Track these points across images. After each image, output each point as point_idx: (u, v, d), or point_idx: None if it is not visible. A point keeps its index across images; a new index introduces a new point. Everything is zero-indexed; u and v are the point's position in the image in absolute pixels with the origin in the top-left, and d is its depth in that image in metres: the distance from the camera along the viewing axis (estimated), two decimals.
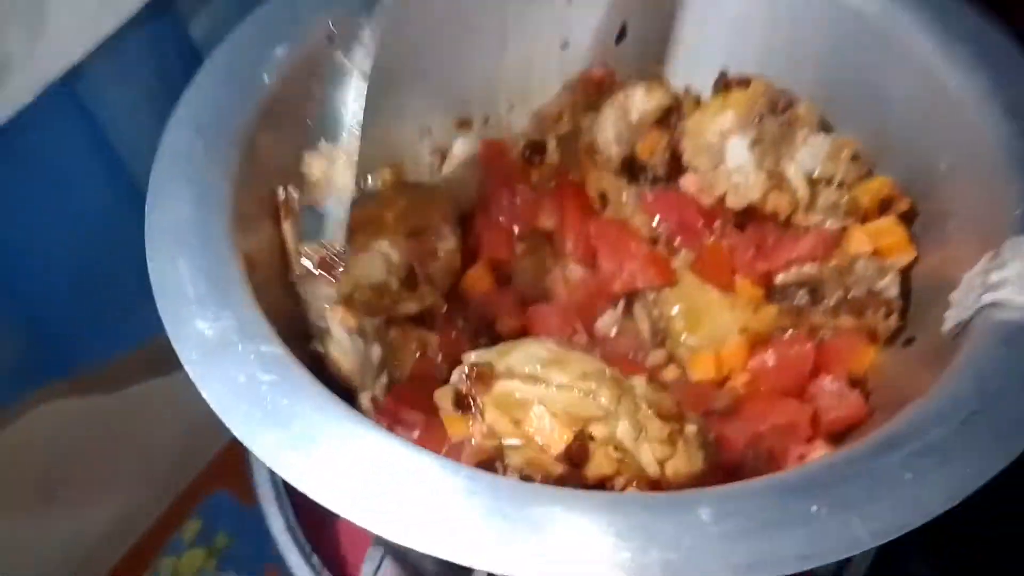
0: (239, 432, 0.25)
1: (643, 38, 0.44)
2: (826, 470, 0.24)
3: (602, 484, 0.29)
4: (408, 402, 0.32)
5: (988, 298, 0.27)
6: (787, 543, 0.23)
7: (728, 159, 0.39)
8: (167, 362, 0.72)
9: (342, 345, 0.32)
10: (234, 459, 0.79)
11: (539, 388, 0.29)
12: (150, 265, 0.30)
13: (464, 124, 0.47)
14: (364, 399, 0.33)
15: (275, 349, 0.27)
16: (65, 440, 0.68)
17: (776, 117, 0.39)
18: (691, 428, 0.29)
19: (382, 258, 0.36)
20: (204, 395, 0.26)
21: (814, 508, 0.23)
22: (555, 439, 0.29)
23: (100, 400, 0.69)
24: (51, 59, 0.51)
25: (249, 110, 0.35)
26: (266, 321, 0.28)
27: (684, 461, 0.28)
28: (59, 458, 0.68)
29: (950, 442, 0.24)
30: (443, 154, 0.47)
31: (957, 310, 0.29)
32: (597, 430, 0.29)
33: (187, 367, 0.27)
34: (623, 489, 0.29)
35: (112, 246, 0.60)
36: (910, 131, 0.37)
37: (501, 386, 0.30)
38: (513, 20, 0.44)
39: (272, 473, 0.43)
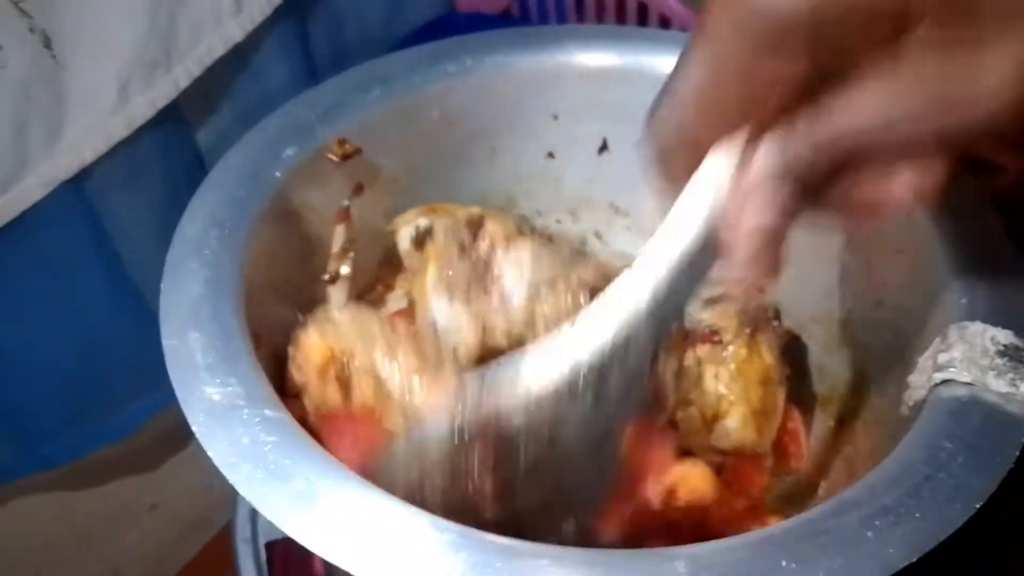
0: (243, 489, 0.27)
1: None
2: (790, 530, 0.26)
3: None
4: None
5: (938, 377, 0.30)
6: None
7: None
8: (149, 457, 0.72)
9: None
10: (210, 563, 0.77)
11: None
12: (164, 340, 0.32)
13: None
14: None
15: (278, 413, 0.29)
16: (39, 536, 0.68)
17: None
18: None
19: None
20: (210, 455, 0.27)
21: (783, 563, 0.25)
22: None
23: (77, 496, 0.68)
24: (65, 159, 0.55)
25: (261, 203, 0.38)
26: (270, 388, 0.30)
27: None
28: (32, 553, 0.67)
29: (904, 504, 0.26)
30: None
31: (914, 391, 0.31)
32: None
33: (194, 428, 0.28)
34: None
35: (105, 345, 0.61)
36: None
37: None
38: (502, 138, 0.48)
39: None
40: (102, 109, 0.55)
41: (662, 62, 0.44)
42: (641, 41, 0.47)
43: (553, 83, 0.46)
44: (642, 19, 0.66)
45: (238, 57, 0.62)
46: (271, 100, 0.67)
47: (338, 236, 0.42)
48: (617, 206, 0.50)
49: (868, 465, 0.29)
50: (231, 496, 0.41)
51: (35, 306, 0.58)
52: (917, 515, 0.26)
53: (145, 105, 0.57)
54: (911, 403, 0.32)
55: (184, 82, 0.59)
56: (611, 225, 0.50)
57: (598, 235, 0.51)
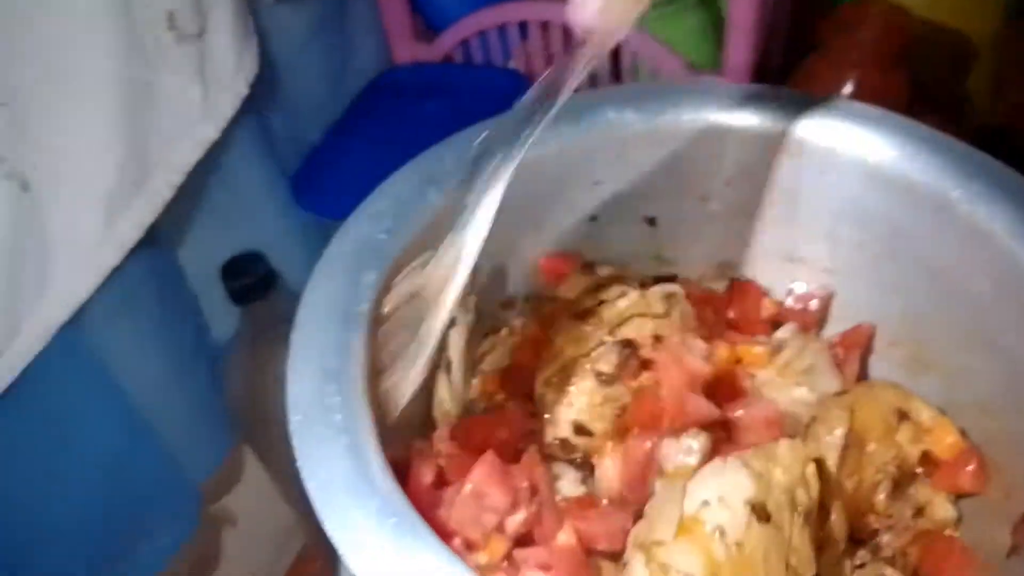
0: None
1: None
2: None
3: None
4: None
5: None
6: None
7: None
8: None
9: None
10: None
11: None
12: (331, 530, 0.29)
13: (508, 304, 0.49)
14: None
15: None
16: None
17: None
18: None
19: None
20: None
21: None
22: None
23: None
24: (59, 302, 0.50)
25: (360, 342, 0.36)
26: None
27: None
28: None
29: None
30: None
31: None
32: None
33: None
34: None
35: (122, 486, 0.57)
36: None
37: None
38: (547, 205, 0.47)
39: None
40: (89, 242, 0.51)
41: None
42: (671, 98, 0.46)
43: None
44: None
45: (208, 163, 0.58)
46: (249, 199, 0.65)
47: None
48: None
49: None
50: None
51: (43, 461, 0.53)
52: None
53: (132, 227, 0.53)
54: None
55: (167, 193, 0.55)
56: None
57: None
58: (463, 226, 0.33)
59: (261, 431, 0.69)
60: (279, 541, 0.80)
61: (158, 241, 0.57)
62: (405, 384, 0.35)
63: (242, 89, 0.59)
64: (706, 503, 0.33)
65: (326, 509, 0.30)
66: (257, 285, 0.62)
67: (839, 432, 0.39)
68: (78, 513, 0.55)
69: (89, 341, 0.53)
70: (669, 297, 0.44)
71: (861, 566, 0.38)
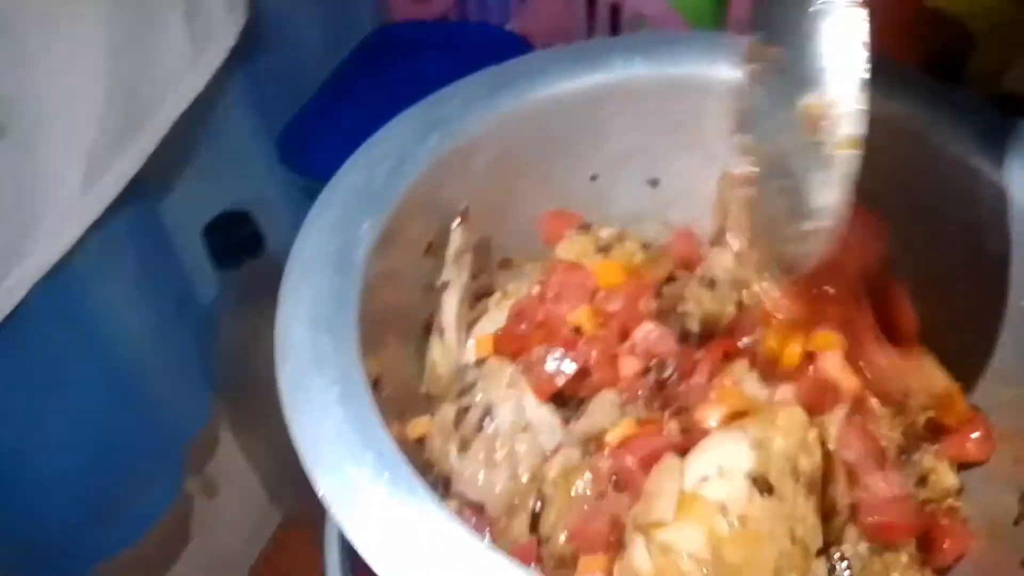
0: None
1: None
2: None
3: None
4: None
5: None
6: None
7: None
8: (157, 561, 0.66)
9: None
10: None
11: None
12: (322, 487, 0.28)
13: (505, 264, 0.47)
14: None
15: None
16: None
17: None
18: None
19: None
20: None
21: None
22: None
23: None
24: (41, 252, 0.48)
25: (356, 292, 0.34)
26: None
27: None
28: None
29: None
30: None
31: None
32: None
33: None
34: None
35: (107, 441, 0.55)
36: None
37: None
38: (551, 158, 0.45)
39: None
40: (72, 192, 0.49)
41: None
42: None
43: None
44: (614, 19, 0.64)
45: (194, 116, 0.56)
46: (235, 156, 0.63)
47: (455, 238, 0.41)
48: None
49: None
50: None
51: (30, 410, 0.51)
52: None
53: (115, 179, 0.51)
54: None
55: (151, 146, 0.53)
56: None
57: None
58: None
59: (246, 398, 0.67)
60: (257, 516, 0.79)
61: (142, 195, 0.55)
62: None
63: (231, 39, 0.57)
64: (705, 478, 0.32)
65: (315, 462, 0.29)
66: (242, 246, 0.60)
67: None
68: (63, 470, 0.53)
69: (71, 294, 0.51)
70: None
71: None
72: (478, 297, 0.46)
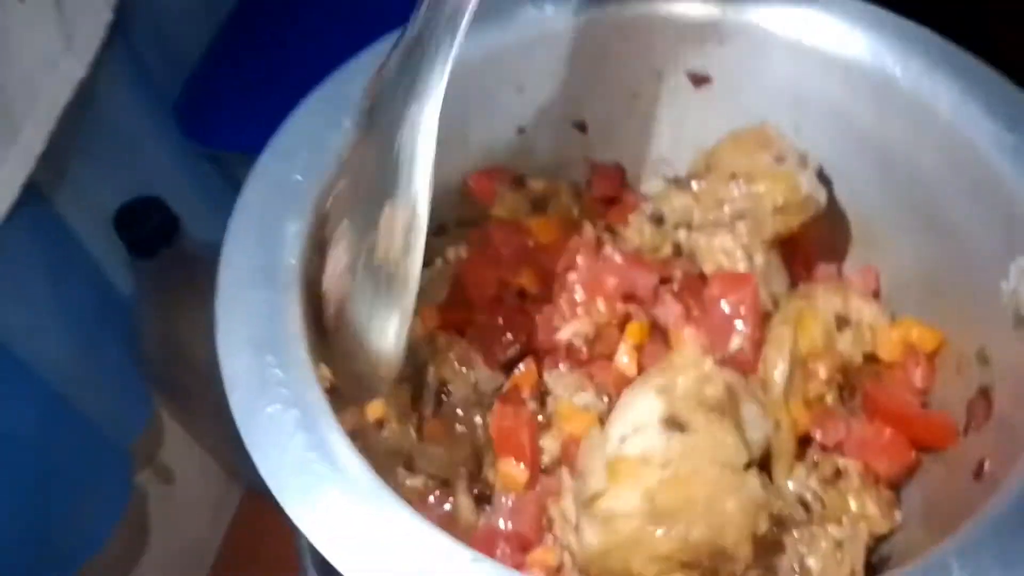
0: None
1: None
2: None
3: None
4: None
5: None
6: None
7: None
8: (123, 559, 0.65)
9: None
10: None
11: None
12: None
13: (440, 231, 0.46)
14: None
15: None
16: None
17: None
18: None
19: None
20: None
21: None
22: None
23: None
24: None
25: (297, 303, 0.32)
26: None
27: None
28: None
29: None
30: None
31: (1020, 301, 0.33)
32: None
33: None
34: None
35: (50, 465, 0.53)
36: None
37: None
38: (473, 118, 0.43)
39: None
40: None
41: None
42: None
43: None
44: None
45: (81, 104, 0.51)
46: (132, 138, 0.58)
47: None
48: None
49: None
50: None
51: None
52: None
53: (4, 189, 0.47)
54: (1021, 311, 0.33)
55: (39, 145, 0.48)
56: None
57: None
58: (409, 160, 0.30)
59: (178, 385, 0.65)
60: (217, 493, 0.78)
61: (38, 199, 0.51)
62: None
63: (107, 14, 0.52)
64: (623, 438, 0.33)
65: (285, 496, 0.28)
66: (157, 233, 0.57)
67: (781, 368, 0.38)
68: (9, 497, 0.51)
69: None
70: None
71: (815, 465, 0.39)
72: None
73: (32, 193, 0.49)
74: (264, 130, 0.43)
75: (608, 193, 0.47)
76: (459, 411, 0.40)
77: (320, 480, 0.28)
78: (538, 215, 0.44)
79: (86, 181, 0.55)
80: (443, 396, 0.41)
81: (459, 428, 0.40)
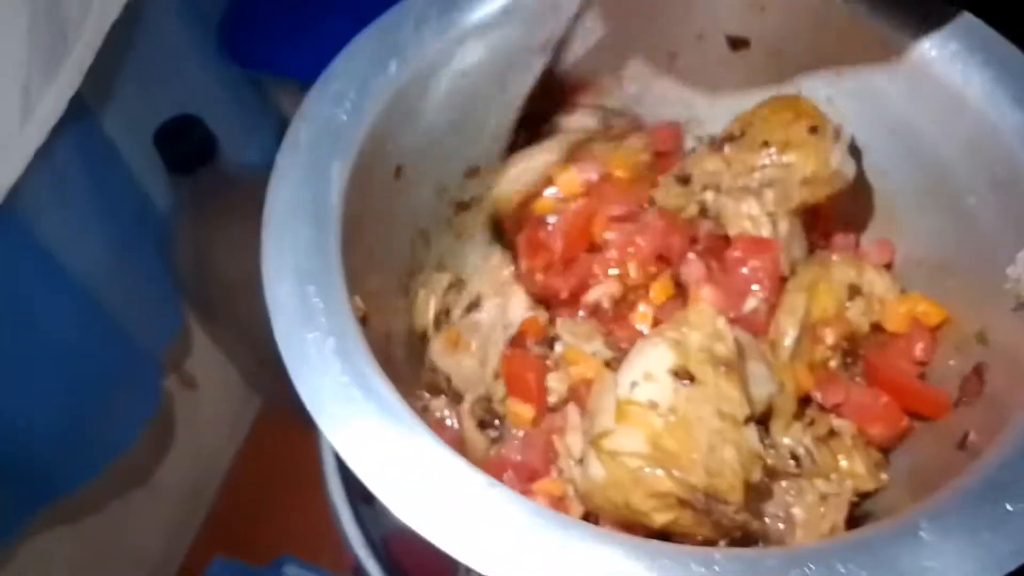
0: None
1: None
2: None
3: None
4: None
5: None
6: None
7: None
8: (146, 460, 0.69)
9: None
10: (222, 526, 0.77)
11: None
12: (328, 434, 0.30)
13: (473, 172, 0.47)
14: None
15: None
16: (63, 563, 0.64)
17: None
18: None
19: None
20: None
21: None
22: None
23: (89, 520, 0.65)
24: None
25: (336, 237, 0.34)
26: None
27: None
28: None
29: None
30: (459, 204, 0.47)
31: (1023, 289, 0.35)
32: None
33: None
34: None
35: (82, 363, 0.56)
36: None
37: None
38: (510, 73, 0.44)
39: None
40: (10, 123, 0.46)
41: None
42: None
43: None
44: None
45: (127, 20, 0.52)
46: (176, 58, 0.59)
47: None
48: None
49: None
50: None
51: (1, 349, 0.51)
52: None
53: (54, 100, 0.49)
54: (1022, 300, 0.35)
55: (88, 60, 0.50)
56: None
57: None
58: None
59: (207, 299, 0.68)
60: (238, 405, 0.81)
61: (84, 113, 0.53)
62: None
63: None
64: (635, 383, 0.35)
65: (322, 417, 0.30)
66: (195, 152, 0.59)
67: (791, 335, 0.40)
68: (44, 398, 0.54)
69: (25, 226, 0.50)
70: None
71: (811, 423, 0.41)
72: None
73: (79, 106, 0.51)
74: (303, 56, 0.44)
75: (663, 149, 0.48)
76: (482, 328, 0.43)
77: (354, 404, 0.31)
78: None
79: (130, 98, 0.57)
80: (475, 309, 0.43)
81: (475, 347, 0.42)
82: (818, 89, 0.44)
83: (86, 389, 0.56)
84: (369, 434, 0.30)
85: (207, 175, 0.60)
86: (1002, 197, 0.37)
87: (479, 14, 0.41)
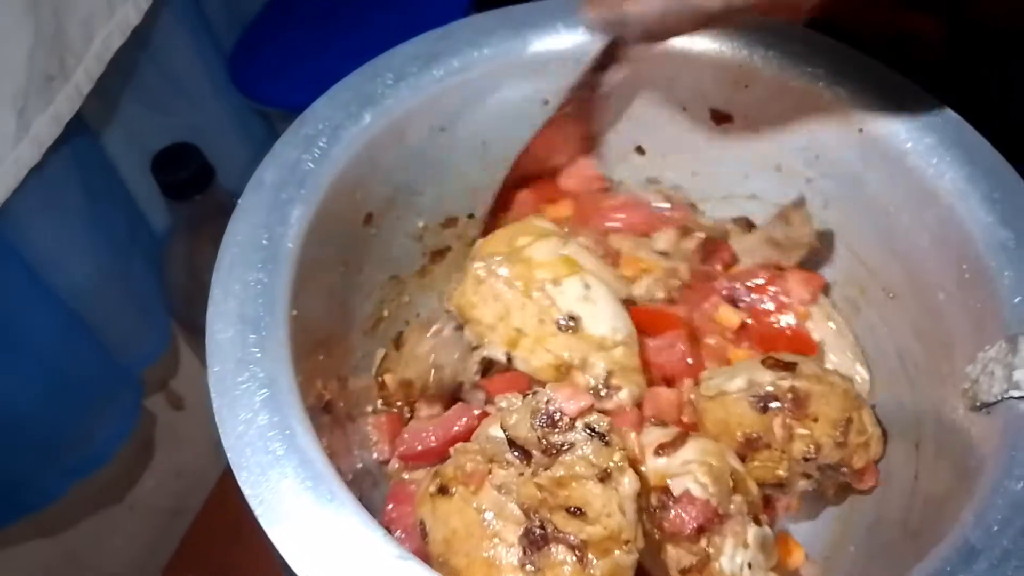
0: None
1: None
2: None
3: None
4: None
5: (1015, 393, 0.32)
6: None
7: None
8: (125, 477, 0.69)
9: None
10: (199, 548, 0.77)
11: None
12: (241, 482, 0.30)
13: (450, 222, 0.47)
14: None
15: None
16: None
17: None
18: None
19: None
20: None
21: None
22: None
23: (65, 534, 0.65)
24: None
25: (285, 286, 0.34)
26: None
27: None
28: None
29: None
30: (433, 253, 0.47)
31: (980, 390, 0.33)
32: None
33: None
34: None
35: (63, 379, 0.56)
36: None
37: None
38: (493, 131, 0.45)
39: None
40: (3, 145, 0.47)
41: None
42: None
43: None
44: None
45: (137, 45, 0.54)
46: (180, 91, 0.61)
47: None
48: None
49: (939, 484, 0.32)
50: None
51: None
52: None
53: (49, 123, 0.50)
54: (979, 403, 0.34)
55: (87, 86, 0.51)
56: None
57: None
58: None
59: (198, 323, 0.68)
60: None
61: (84, 131, 0.54)
62: None
63: None
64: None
65: (240, 466, 0.30)
66: (191, 180, 0.60)
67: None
68: (22, 410, 0.55)
69: (11, 241, 0.51)
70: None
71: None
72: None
73: (80, 126, 0.52)
74: (310, 92, 0.44)
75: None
76: None
77: (273, 458, 0.30)
78: None
79: (135, 120, 0.58)
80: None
81: None
82: (797, 169, 0.43)
83: (60, 403, 0.56)
84: (285, 490, 0.30)
85: (203, 202, 0.60)
86: (967, 294, 0.36)
87: (460, 72, 0.42)
